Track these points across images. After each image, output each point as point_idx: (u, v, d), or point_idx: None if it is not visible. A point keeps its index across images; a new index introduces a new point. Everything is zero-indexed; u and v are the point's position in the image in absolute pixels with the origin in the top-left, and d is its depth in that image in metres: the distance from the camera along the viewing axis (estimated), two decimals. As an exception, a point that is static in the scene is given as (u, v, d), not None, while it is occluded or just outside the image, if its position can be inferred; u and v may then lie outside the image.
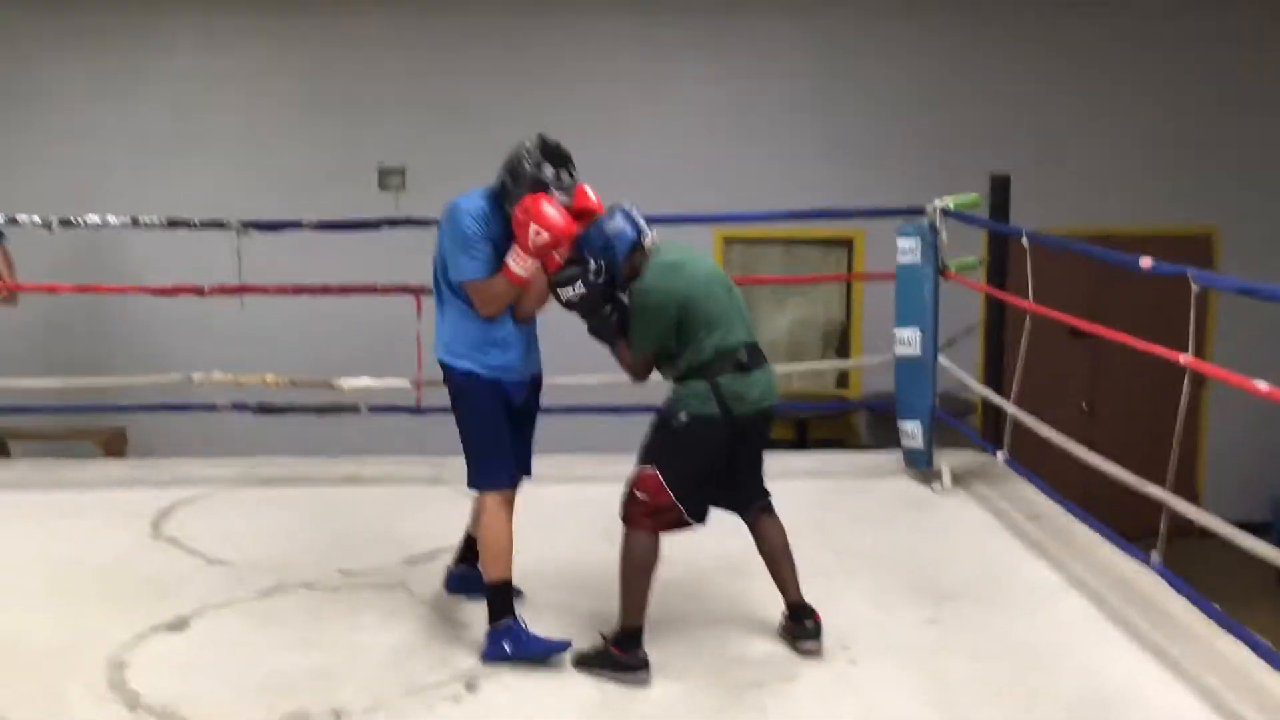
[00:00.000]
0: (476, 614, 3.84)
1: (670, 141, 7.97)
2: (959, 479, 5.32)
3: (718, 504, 3.66)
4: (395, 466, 5.76)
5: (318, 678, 3.41)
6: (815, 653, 3.58)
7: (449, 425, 6.15)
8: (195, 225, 5.61)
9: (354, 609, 3.92)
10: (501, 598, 3.55)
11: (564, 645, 3.52)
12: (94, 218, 5.44)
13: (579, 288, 3.54)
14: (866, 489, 5.36)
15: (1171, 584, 3.78)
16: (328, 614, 3.89)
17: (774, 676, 3.46)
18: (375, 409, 5.73)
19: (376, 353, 6.81)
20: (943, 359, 5.41)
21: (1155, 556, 3.80)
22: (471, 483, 3.65)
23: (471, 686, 3.37)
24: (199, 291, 5.56)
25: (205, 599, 3.99)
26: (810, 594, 4.01)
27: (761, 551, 3.73)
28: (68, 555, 4.39)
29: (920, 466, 5.36)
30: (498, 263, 3.56)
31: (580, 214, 3.62)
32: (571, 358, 7.53)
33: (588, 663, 3.46)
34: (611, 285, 3.56)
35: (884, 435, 7.63)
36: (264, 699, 3.28)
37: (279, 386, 5.68)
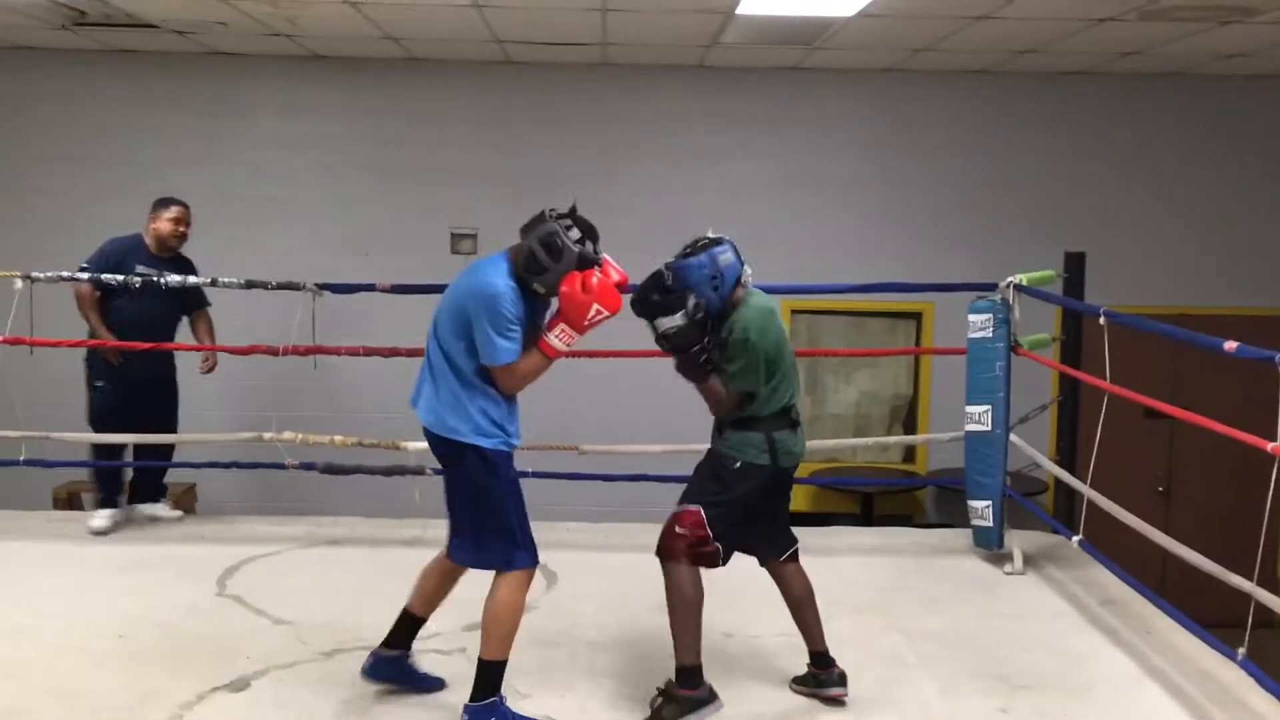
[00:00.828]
0: (534, 683, 3.81)
1: (736, 213, 7.97)
2: (1030, 560, 5.19)
3: (748, 548, 3.73)
4: (458, 530, 5.76)
5: (377, 744, 3.39)
6: (842, 699, 3.64)
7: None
8: (271, 286, 5.71)
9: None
10: (498, 676, 3.48)
11: None
12: (175, 279, 5.56)
13: (679, 319, 3.50)
14: (934, 568, 5.24)
15: (1257, 679, 3.63)
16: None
17: (840, 761, 3.37)
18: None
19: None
20: (1014, 437, 5.31)
21: (1241, 651, 3.65)
22: (511, 564, 3.50)
23: (530, 759, 3.32)
24: (273, 352, 5.64)
25: (268, 659, 3.99)
26: (877, 677, 3.94)
27: (787, 598, 3.77)
28: (134, 611, 4.43)
29: (990, 547, 5.24)
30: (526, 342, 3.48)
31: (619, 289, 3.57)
32: (636, 425, 7.54)
33: (662, 717, 3.44)
34: (706, 319, 3.51)
35: (951, 513, 7.51)
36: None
37: (346, 446, 5.73)
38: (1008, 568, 5.13)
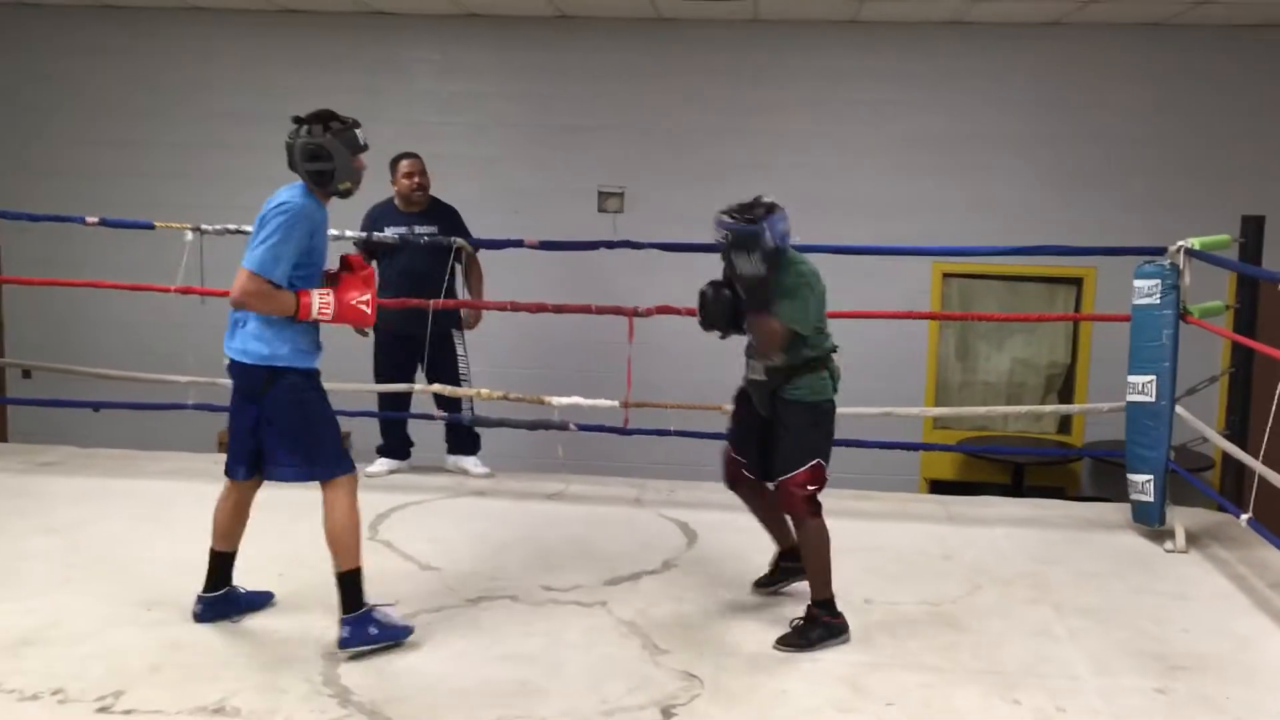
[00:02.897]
0: (672, 639, 3.83)
1: (890, 172, 7.80)
2: (1193, 539, 4.96)
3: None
4: (599, 486, 5.82)
5: (518, 691, 3.45)
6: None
7: (654, 447, 6.22)
8: (423, 240, 5.83)
9: (556, 625, 3.95)
10: (358, 585, 3.63)
11: (410, 630, 3.71)
12: (332, 232, 5.72)
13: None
14: (1089, 542, 5.05)
15: None
16: (531, 628, 3.94)
17: (984, 734, 3.28)
18: (583, 427, 5.80)
19: (587, 372, 6.94)
20: (1180, 409, 5.06)
21: None
22: (335, 471, 3.69)
23: (667, 713, 3.33)
24: (424, 306, 5.76)
25: (416, 604, 4.10)
26: (1024, 650, 3.83)
27: (768, 511, 4.13)
28: (292, 551, 4.60)
29: (1150, 523, 5.02)
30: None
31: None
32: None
33: (805, 639, 3.77)
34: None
35: (1108, 487, 7.23)
36: (465, 707, 3.34)
37: (493, 400, 5.84)
38: (1168, 545, 4.90)
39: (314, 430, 3.73)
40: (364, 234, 5.81)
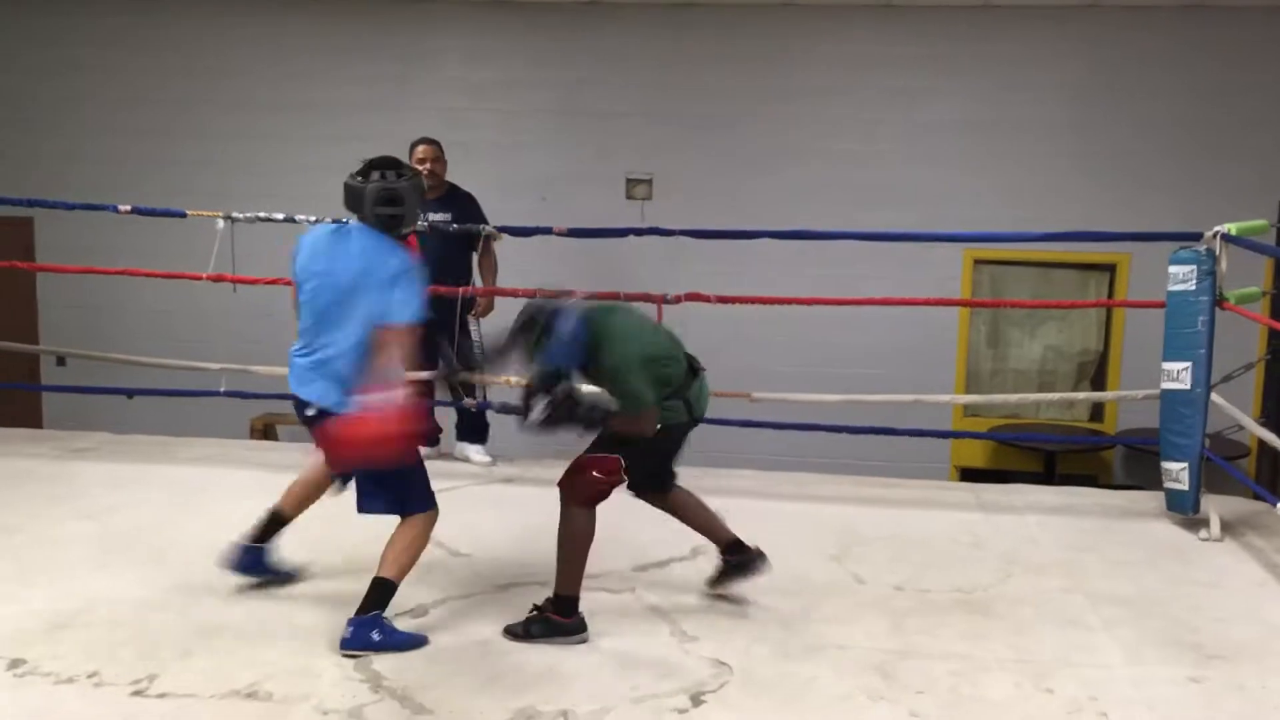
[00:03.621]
0: (700, 627, 3.83)
1: (919, 158, 7.75)
2: (1229, 527, 4.90)
3: (648, 484, 3.91)
4: (629, 473, 5.82)
5: (548, 677, 3.46)
6: (767, 570, 3.95)
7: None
8: (451, 229, 5.84)
9: (586, 612, 3.95)
10: (386, 599, 3.67)
11: (423, 640, 3.69)
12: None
13: (547, 409, 3.60)
14: (1122, 531, 5.01)
15: None
16: (559, 614, 3.94)
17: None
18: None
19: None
20: (1215, 396, 5.00)
21: None
22: (420, 507, 3.77)
23: (697, 701, 3.33)
24: (454, 293, 5.77)
25: (447, 589, 4.13)
26: (1057, 640, 3.80)
27: (688, 517, 4.00)
28: (321, 537, 4.63)
29: (1185, 511, 4.97)
30: None
31: None
32: (804, 375, 7.45)
33: (526, 631, 3.69)
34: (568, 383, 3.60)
35: (1141, 475, 7.17)
36: (495, 693, 3.35)
37: (521, 387, 5.83)
38: (1203, 534, 4.85)
39: (404, 473, 3.73)
40: None
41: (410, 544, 3.74)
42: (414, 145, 5.89)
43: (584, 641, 3.70)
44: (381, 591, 3.67)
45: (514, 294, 5.98)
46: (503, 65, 8.06)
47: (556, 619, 3.70)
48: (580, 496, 3.70)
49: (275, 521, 4.07)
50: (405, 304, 3.55)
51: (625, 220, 6.96)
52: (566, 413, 3.60)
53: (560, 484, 3.74)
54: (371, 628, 3.63)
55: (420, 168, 5.79)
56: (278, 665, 3.49)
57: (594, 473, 3.67)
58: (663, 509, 4.01)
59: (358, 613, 3.65)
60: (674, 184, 7.86)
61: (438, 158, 5.86)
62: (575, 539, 3.71)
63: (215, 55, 8.24)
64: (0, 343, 6.58)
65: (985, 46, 7.67)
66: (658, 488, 3.96)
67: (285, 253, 5.97)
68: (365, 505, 3.77)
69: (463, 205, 5.94)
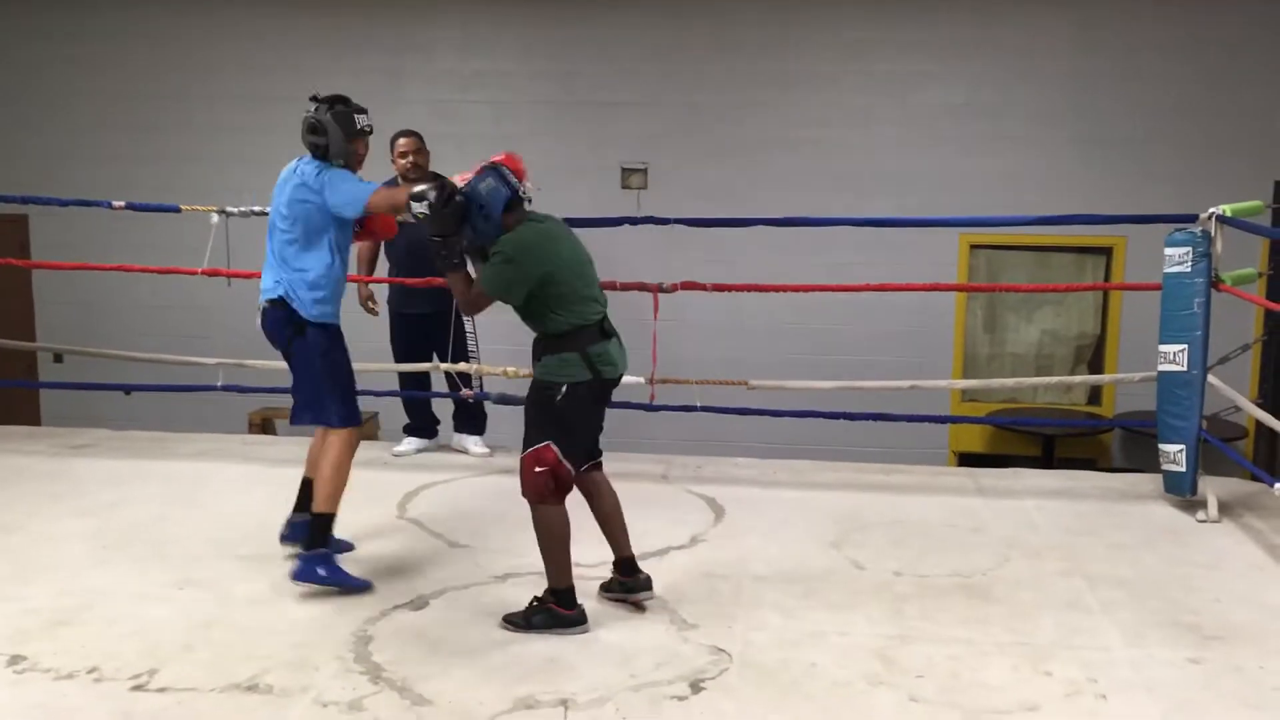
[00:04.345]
0: (701, 614, 3.83)
1: (915, 144, 7.74)
2: (1226, 509, 4.91)
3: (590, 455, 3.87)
4: (625, 463, 5.81)
5: (547, 666, 3.46)
6: (649, 601, 3.85)
7: (680, 423, 6.22)
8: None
9: (584, 601, 3.94)
10: (327, 528, 3.99)
11: (367, 585, 3.97)
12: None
13: (424, 206, 3.75)
14: (1120, 513, 5.01)
15: None
16: (559, 604, 3.94)
17: (1016, 705, 3.26)
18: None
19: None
20: (1212, 378, 5.00)
21: None
22: (339, 420, 4.06)
23: (696, 688, 3.34)
24: (431, 285, 5.75)
25: (445, 581, 4.13)
26: (1056, 623, 3.81)
27: (596, 509, 3.90)
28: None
29: (1182, 493, 4.97)
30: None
31: None
32: (801, 363, 7.46)
33: (527, 621, 3.70)
34: (459, 213, 3.73)
35: (1139, 457, 7.18)
36: (496, 683, 3.35)
37: (520, 378, 5.83)
38: (1201, 515, 4.86)
39: (320, 382, 4.09)
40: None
41: (333, 470, 4.02)
42: (394, 139, 5.83)
43: (584, 632, 3.70)
44: (320, 526, 3.99)
45: (419, 284, 5.94)
46: (495, 56, 8.04)
47: (557, 610, 3.71)
48: (535, 493, 3.70)
49: (309, 488, 4.23)
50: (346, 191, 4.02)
51: (621, 210, 6.95)
52: (444, 203, 3.74)
53: (521, 491, 3.75)
54: (316, 563, 3.94)
55: (402, 161, 5.74)
56: (277, 658, 3.50)
57: (535, 468, 3.67)
58: (584, 493, 3.90)
59: (304, 548, 3.98)
60: (669, 173, 7.85)
61: (419, 149, 5.78)
62: (550, 534, 3.71)
63: (205, 49, 8.22)
64: (-3, 340, 6.58)
65: (978, 32, 7.66)
66: (583, 461, 3.85)
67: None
68: (294, 416, 4.20)
69: None
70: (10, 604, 3.88)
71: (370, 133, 4.17)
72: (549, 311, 3.69)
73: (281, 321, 4.07)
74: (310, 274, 4.04)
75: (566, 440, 3.69)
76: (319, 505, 4.02)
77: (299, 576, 3.93)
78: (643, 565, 4.28)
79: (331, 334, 4.11)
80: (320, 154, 4.07)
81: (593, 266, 3.87)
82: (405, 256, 5.75)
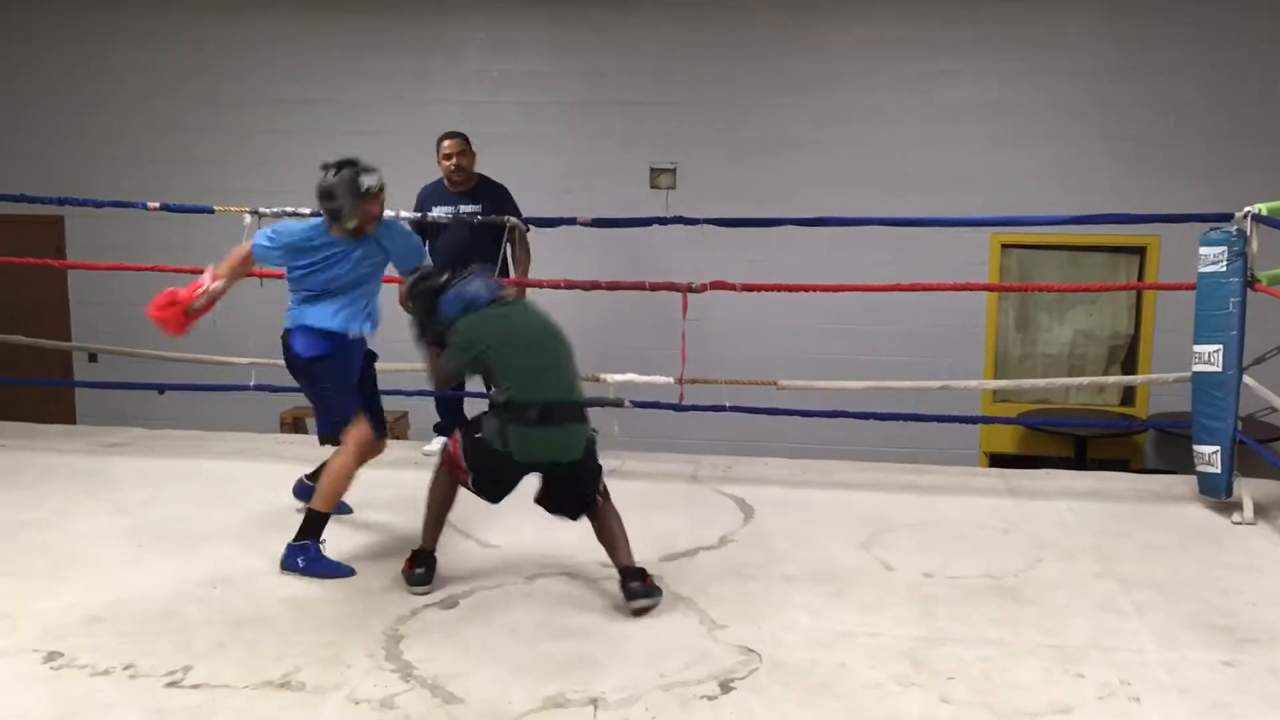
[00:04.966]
0: (730, 614, 3.83)
1: (944, 143, 7.69)
2: (1262, 510, 4.86)
3: (481, 486, 4.03)
4: (654, 463, 5.83)
5: (577, 666, 3.47)
6: (648, 610, 3.82)
7: (709, 423, 6.21)
8: (475, 221, 5.85)
9: (613, 601, 3.97)
10: (319, 524, 4.20)
11: (349, 571, 4.16)
12: (388, 213, 5.76)
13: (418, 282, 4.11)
14: (1154, 515, 4.97)
15: None
16: (588, 604, 3.96)
17: (1048, 707, 3.24)
18: (639, 404, 5.81)
19: (642, 348, 6.94)
20: (1248, 378, 4.95)
21: None
22: (345, 424, 4.30)
23: (726, 688, 3.33)
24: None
25: (476, 580, 4.15)
26: (1089, 624, 3.78)
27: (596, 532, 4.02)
28: (352, 529, 4.68)
29: (1217, 495, 4.92)
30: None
31: None
32: (831, 363, 7.43)
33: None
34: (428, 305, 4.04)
35: (1173, 459, 7.10)
36: (525, 682, 3.36)
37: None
38: (1236, 517, 4.81)
39: (329, 397, 4.38)
40: (417, 215, 5.84)
41: (340, 472, 4.25)
42: (440, 140, 5.90)
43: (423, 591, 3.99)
44: (313, 521, 4.21)
45: (539, 285, 6.00)
46: (524, 57, 8.06)
47: (406, 567, 4.04)
48: (444, 460, 4.05)
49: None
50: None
51: (649, 210, 6.95)
52: (422, 290, 4.07)
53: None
54: (298, 554, 4.17)
55: (447, 163, 5.80)
56: (310, 656, 3.52)
57: (450, 447, 4.04)
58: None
59: (294, 538, 4.19)
60: (698, 173, 7.84)
61: (463, 151, 5.86)
62: (429, 497, 4.07)
63: (237, 52, 8.28)
64: (34, 340, 6.66)
65: (1005, 29, 7.59)
66: (486, 497, 4.06)
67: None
68: (317, 427, 4.53)
69: (494, 198, 5.94)
70: (46, 600, 3.92)
71: (379, 192, 4.30)
72: (498, 382, 3.97)
73: (287, 355, 4.41)
74: (304, 318, 4.39)
75: (470, 456, 3.97)
76: (316, 502, 4.24)
77: (283, 564, 4.19)
78: (672, 565, 4.31)
79: (323, 362, 4.32)
80: (334, 218, 4.27)
81: (555, 351, 4.01)
82: (446, 258, 5.78)
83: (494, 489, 4.03)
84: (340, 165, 4.26)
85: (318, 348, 4.32)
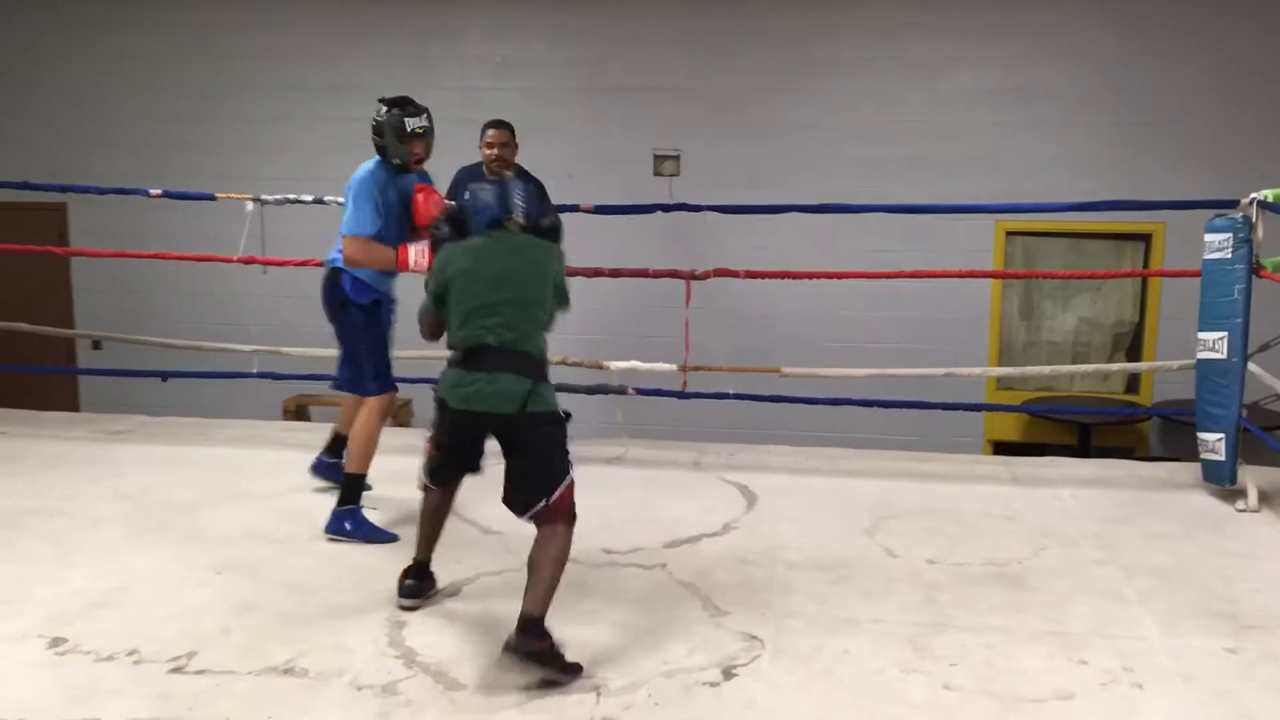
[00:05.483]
0: (733, 600, 3.83)
1: (949, 131, 7.67)
2: (1266, 498, 4.85)
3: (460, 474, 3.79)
4: (658, 450, 5.82)
5: (580, 652, 3.46)
6: (511, 655, 3.24)
7: (712, 410, 6.21)
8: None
9: (616, 587, 3.97)
10: (357, 487, 4.39)
11: (393, 537, 4.32)
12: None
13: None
14: (1158, 503, 4.96)
15: None
16: (591, 590, 3.96)
17: (1050, 694, 3.24)
18: (642, 391, 5.80)
19: (645, 336, 6.93)
20: (1252, 365, 4.94)
21: None
22: (374, 390, 4.44)
23: (728, 674, 3.33)
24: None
25: (479, 566, 4.15)
26: (1092, 612, 3.78)
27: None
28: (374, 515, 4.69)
29: (1221, 482, 4.92)
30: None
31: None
32: (834, 350, 7.42)
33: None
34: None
35: (1177, 446, 7.10)
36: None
37: (566, 365, 5.84)
38: (1240, 504, 4.80)
39: (357, 353, 4.46)
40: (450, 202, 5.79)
41: (365, 434, 4.38)
42: (485, 127, 5.76)
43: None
44: (351, 485, 4.39)
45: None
46: (526, 42, 8.03)
47: (400, 578, 3.83)
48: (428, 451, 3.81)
49: (339, 440, 4.81)
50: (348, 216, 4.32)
51: (653, 197, 6.95)
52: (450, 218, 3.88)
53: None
54: (345, 519, 4.35)
55: (488, 151, 5.70)
56: (313, 642, 3.53)
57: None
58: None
59: (336, 505, 4.36)
60: (702, 160, 7.83)
61: (506, 143, 5.72)
62: (424, 503, 3.84)
63: (235, 37, 8.26)
64: (37, 327, 6.66)
65: (1009, 15, 7.56)
66: (442, 477, 3.79)
67: (313, 234, 6.02)
68: (334, 382, 4.57)
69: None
70: (51, 586, 3.93)
71: (422, 134, 4.38)
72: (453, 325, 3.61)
73: (331, 292, 4.45)
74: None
75: (434, 434, 3.70)
76: (350, 465, 4.41)
77: (329, 529, 4.35)
78: (675, 552, 4.31)
79: (368, 312, 4.44)
80: (382, 154, 4.38)
81: (515, 289, 3.57)
82: None
83: (447, 458, 3.68)
84: (391, 104, 4.37)
85: (366, 295, 4.42)
